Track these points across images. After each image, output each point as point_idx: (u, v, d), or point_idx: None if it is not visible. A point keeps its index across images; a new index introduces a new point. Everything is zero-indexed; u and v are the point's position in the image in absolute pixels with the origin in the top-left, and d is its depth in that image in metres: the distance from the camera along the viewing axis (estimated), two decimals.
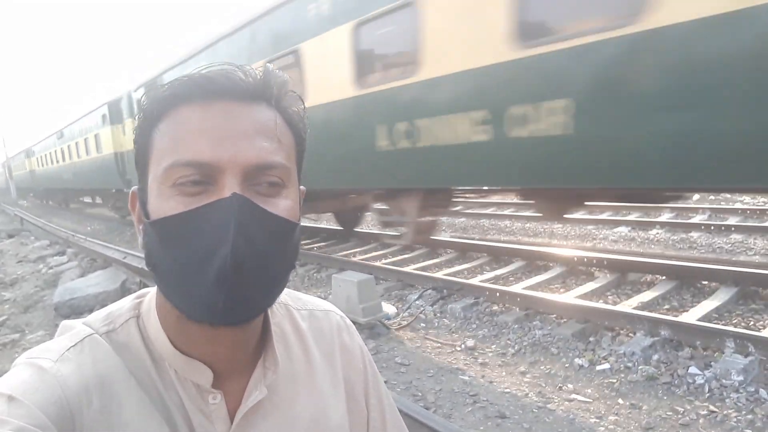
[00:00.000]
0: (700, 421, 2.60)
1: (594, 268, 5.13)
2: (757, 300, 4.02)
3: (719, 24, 2.68)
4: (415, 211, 5.32)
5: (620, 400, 2.85)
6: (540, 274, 5.14)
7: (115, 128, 11.87)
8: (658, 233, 6.97)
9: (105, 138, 12.47)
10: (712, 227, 6.85)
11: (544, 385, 3.11)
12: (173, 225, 0.50)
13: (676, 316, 3.75)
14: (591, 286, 4.60)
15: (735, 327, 3.51)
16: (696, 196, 9.08)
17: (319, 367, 0.68)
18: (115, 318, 0.59)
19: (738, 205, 8.29)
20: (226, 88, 0.51)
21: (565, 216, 5.03)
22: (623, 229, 7.39)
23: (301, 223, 0.58)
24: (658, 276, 4.70)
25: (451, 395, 3.03)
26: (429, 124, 4.42)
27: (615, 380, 3.08)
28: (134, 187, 0.57)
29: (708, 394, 2.81)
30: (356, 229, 8.39)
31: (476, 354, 3.63)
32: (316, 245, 7.90)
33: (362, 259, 6.53)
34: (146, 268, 0.56)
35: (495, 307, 4.44)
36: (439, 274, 5.34)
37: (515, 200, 9.97)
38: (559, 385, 3.08)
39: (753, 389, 2.78)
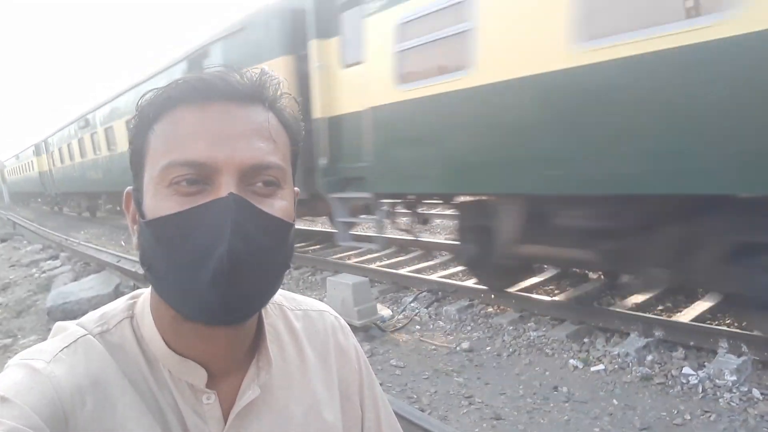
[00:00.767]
0: (694, 421, 2.62)
1: (588, 270, 5.15)
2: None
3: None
4: None
5: (615, 401, 2.87)
6: (534, 276, 5.16)
7: None
8: None
9: None
10: None
11: (539, 386, 3.11)
12: (170, 224, 0.50)
13: (670, 316, 3.78)
14: (585, 287, 4.61)
15: (728, 327, 3.53)
16: None
17: (312, 367, 0.69)
18: (108, 319, 0.59)
19: None
20: (222, 89, 0.52)
21: None
22: None
23: (296, 226, 0.59)
24: None
25: (447, 397, 3.03)
26: None
27: (609, 381, 3.09)
28: (129, 188, 0.57)
29: (702, 394, 2.83)
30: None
31: (471, 356, 3.63)
32: (310, 248, 7.89)
33: (357, 262, 6.53)
34: (141, 269, 0.56)
35: (490, 309, 4.44)
36: (434, 277, 5.35)
37: None
38: (554, 386, 3.09)
39: (746, 389, 2.80)
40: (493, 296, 4.51)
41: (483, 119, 3.88)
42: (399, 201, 5.36)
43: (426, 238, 7.25)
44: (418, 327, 4.28)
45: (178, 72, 8.41)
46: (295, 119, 0.58)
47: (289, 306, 0.72)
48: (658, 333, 3.44)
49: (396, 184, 4.81)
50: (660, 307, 4.13)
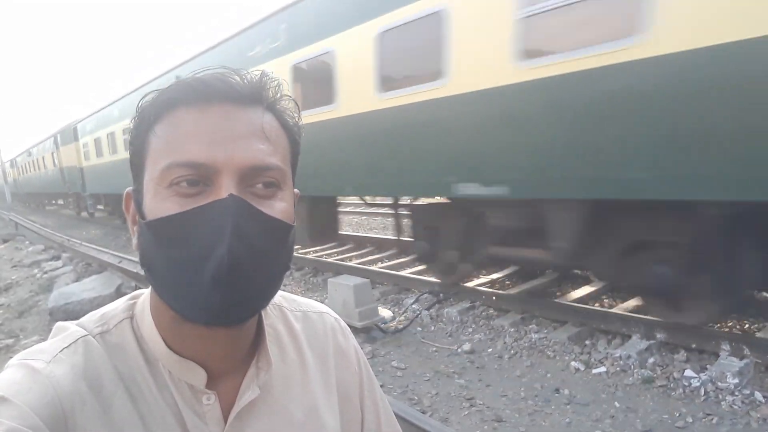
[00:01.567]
0: (696, 424, 2.61)
1: (589, 272, 5.14)
2: (752, 303, 4.04)
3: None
4: None
5: (616, 404, 2.86)
6: (536, 278, 5.15)
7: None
8: None
9: None
10: None
11: (540, 388, 3.11)
12: (170, 225, 0.50)
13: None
14: (587, 289, 4.61)
15: (731, 330, 3.52)
16: None
17: (312, 368, 0.69)
18: (108, 319, 0.59)
19: None
20: (222, 91, 0.52)
21: None
22: None
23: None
24: None
25: (448, 399, 3.03)
26: None
27: (611, 383, 3.08)
28: (129, 188, 0.57)
29: (704, 397, 2.82)
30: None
31: (473, 357, 3.62)
32: (312, 249, 7.89)
33: (358, 263, 6.53)
34: (141, 269, 0.56)
35: (491, 311, 4.44)
36: (436, 278, 5.34)
37: None
38: (556, 388, 3.08)
39: (748, 392, 2.78)
40: (494, 298, 4.50)
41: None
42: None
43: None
44: (419, 329, 4.28)
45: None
46: (294, 121, 0.58)
47: (289, 307, 0.72)
48: (660, 335, 3.43)
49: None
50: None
